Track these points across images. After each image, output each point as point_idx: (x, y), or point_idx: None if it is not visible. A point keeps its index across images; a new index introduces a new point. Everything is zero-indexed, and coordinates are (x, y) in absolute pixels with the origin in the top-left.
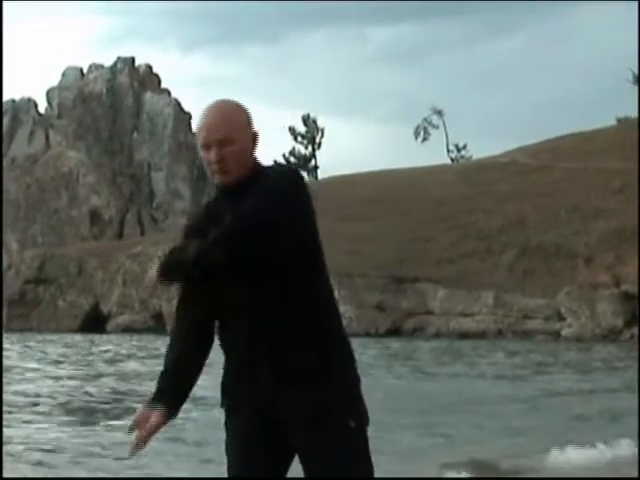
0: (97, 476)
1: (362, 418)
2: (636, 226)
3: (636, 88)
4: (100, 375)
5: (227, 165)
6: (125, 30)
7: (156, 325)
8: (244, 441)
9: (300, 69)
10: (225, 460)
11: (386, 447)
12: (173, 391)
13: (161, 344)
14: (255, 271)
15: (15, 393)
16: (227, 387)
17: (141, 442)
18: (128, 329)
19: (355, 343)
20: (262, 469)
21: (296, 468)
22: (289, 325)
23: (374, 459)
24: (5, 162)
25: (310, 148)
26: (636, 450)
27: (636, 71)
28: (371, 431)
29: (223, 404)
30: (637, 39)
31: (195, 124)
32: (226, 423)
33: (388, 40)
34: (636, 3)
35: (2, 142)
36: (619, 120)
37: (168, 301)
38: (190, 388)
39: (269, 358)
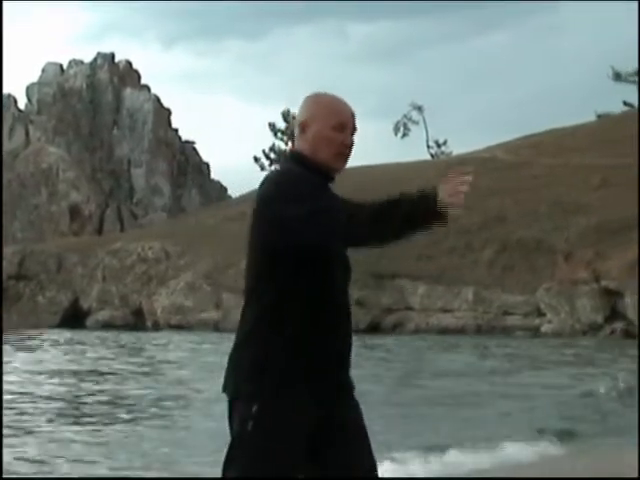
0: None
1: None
2: (616, 222)
3: (617, 85)
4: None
5: (350, 153)
6: (105, 26)
7: (136, 321)
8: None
9: (281, 65)
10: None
11: None
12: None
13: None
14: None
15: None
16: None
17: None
18: (108, 325)
19: None
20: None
21: None
22: None
23: None
24: None
25: (290, 144)
26: None
27: (617, 67)
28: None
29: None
30: (637, 39)
31: (327, 104)
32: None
33: (369, 36)
34: (636, 3)
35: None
36: (599, 116)
37: (148, 297)
38: None
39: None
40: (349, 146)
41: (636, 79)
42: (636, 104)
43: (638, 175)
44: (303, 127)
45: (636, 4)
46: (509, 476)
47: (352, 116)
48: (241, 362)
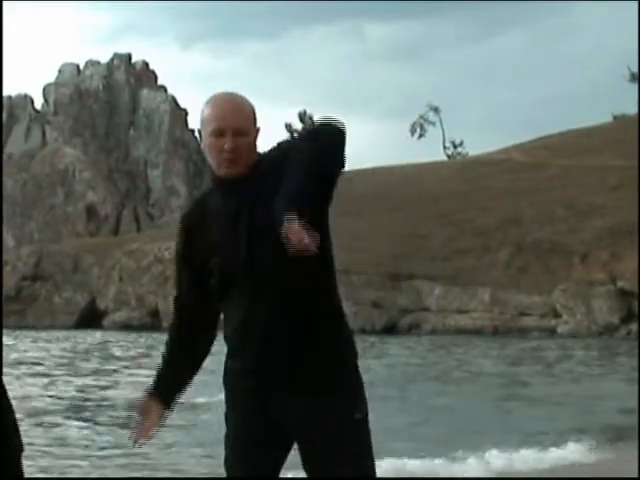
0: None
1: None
2: (631, 223)
3: (633, 86)
4: None
5: (238, 155)
6: (122, 26)
7: (152, 322)
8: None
9: (298, 65)
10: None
11: None
12: None
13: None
14: None
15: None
16: None
17: (146, 433)
18: (124, 326)
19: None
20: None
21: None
22: None
23: None
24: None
25: None
26: None
27: (633, 68)
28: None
29: None
30: (637, 38)
31: (206, 112)
32: None
33: (386, 36)
34: (635, 3)
35: (2, 140)
36: (615, 117)
37: (164, 298)
38: None
39: None
40: (229, 150)
41: None
42: None
43: (638, 175)
44: (199, 135)
45: (636, 4)
46: (570, 476)
47: (224, 117)
48: None
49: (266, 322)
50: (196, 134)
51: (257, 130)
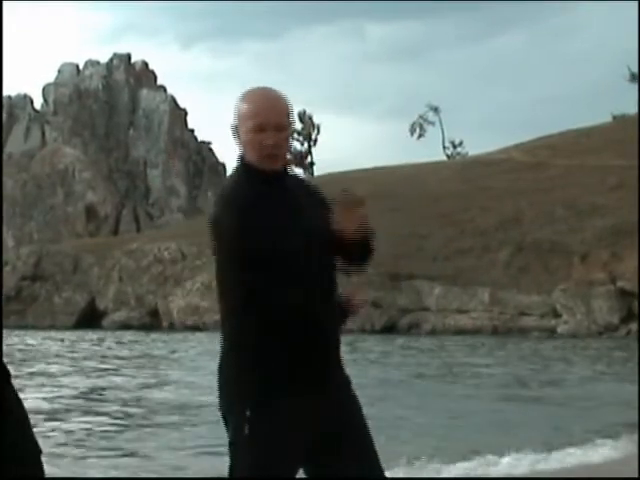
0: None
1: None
2: (632, 223)
3: (632, 86)
4: None
5: (280, 150)
6: (122, 26)
7: (152, 322)
8: None
9: (298, 65)
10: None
11: None
12: None
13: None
14: None
15: None
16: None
17: None
18: (124, 325)
19: (350, 339)
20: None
21: None
22: None
23: None
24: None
25: (306, 145)
26: None
27: (633, 68)
28: None
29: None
30: (637, 38)
31: (243, 107)
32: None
33: (387, 36)
34: (636, 3)
35: (2, 140)
36: (615, 117)
37: (164, 298)
38: None
39: None
40: (271, 146)
41: None
42: None
43: (638, 175)
44: (234, 131)
45: (635, 4)
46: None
47: (267, 113)
48: None
49: (325, 305)
50: (230, 129)
51: (292, 124)
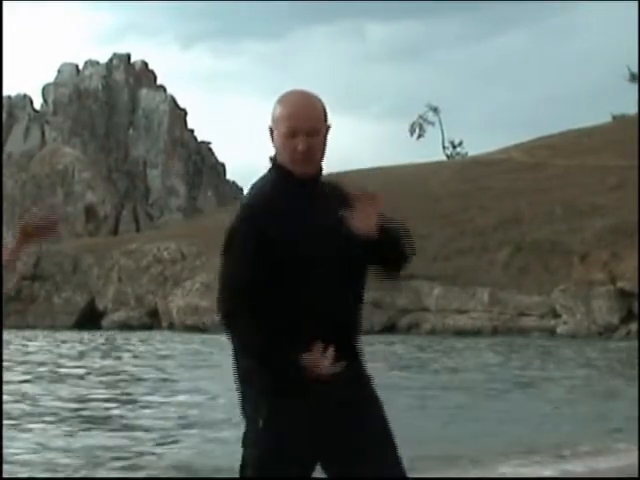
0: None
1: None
2: (632, 223)
3: (632, 86)
4: None
5: (313, 155)
6: (122, 26)
7: (151, 322)
8: None
9: (298, 65)
10: None
11: None
12: None
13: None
14: None
15: None
16: None
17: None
18: (123, 326)
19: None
20: None
21: None
22: None
23: None
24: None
25: None
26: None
27: (632, 68)
28: None
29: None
30: (637, 39)
31: (278, 110)
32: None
33: (387, 37)
34: (636, 3)
35: (2, 140)
36: (615, 117)
37: (164, 298)
38: None
39: None
40: (303, 152)
41: None
42: None
43: (638, 175)
44: (270, 133)
45: (636, 4)
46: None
47: (298, 118)
48: None
49: (346, 309)
50: (267, 131)
51: (328, 127)
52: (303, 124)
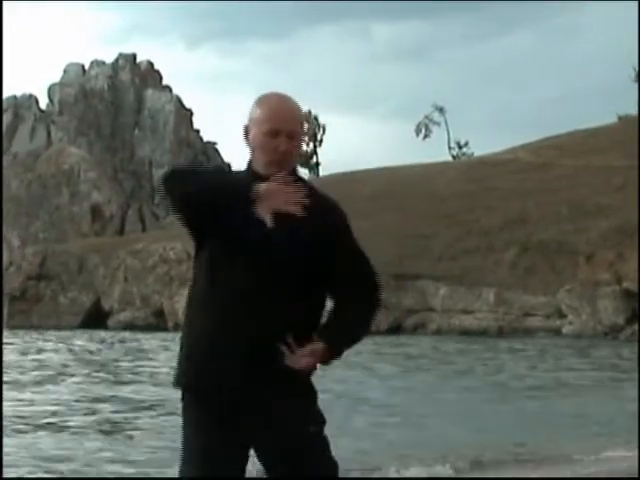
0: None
1: None
2: (637, 223)
3: (637, 86)
4: None
5: (289, 157)
6: (128, 27)
7: (157, 322)
8: None
9: (304, 65)
10: None
11: None
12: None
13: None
14: None
15: None
16: None
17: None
18: (129, 326)
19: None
20: None
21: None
22: None
23: None
24: (7, 158)
25: (312, 145)
26: None
27: (638, 69)
28: None
29: None
30: (637, 39)
31: (259, 110)
32: None
33: (392, 36)
34: (636, 3)
35: (2, 140)
36: (620, 117)
37: (169, 298)
38: None
39: None
40: (284, 152)
41: None
42: None
43: (638, 176)
44: (246, 131)
45: (636, 4)
46: None
47: (283, 119)
48: None
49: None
50: (242, 130)
51: (303, 133)
52: (285, 125)
